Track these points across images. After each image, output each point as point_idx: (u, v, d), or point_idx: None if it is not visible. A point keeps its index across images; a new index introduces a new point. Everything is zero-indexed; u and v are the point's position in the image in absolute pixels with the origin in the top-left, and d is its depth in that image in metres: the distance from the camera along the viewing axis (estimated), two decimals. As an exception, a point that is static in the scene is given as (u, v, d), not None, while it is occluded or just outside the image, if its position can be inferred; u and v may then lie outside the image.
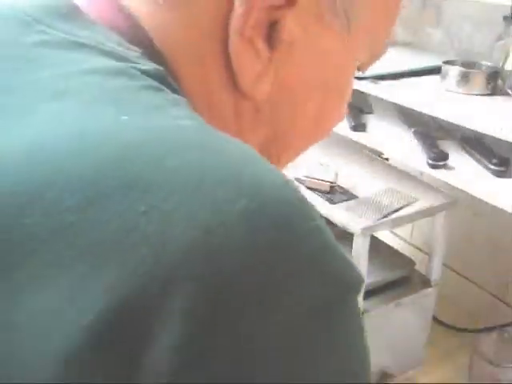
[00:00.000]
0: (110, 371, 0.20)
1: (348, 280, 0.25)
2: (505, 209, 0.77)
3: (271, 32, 0.33)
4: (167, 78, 0.30)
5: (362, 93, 0.99)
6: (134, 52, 0.30)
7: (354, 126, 1.03)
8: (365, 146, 1.05)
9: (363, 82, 0.96)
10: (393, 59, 1.10)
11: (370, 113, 1.10)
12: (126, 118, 0.25)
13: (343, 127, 1.04)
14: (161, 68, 0.30)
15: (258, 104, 0.36)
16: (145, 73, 0.29)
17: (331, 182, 1.00)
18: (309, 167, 1.02)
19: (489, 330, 1.13)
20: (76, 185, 0.22)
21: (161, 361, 0.20)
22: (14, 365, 0.21)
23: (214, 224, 0.22)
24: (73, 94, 0.26)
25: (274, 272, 0.22)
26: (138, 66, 0.29)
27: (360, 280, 0.25)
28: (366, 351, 0.26)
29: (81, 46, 0.30)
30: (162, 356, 0.20)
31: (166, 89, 0.29)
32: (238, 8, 0.31)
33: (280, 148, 0.40)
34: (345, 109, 0.43)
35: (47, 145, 0.24)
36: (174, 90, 0.30)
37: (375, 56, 0.42)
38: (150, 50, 0.32)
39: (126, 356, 0.20)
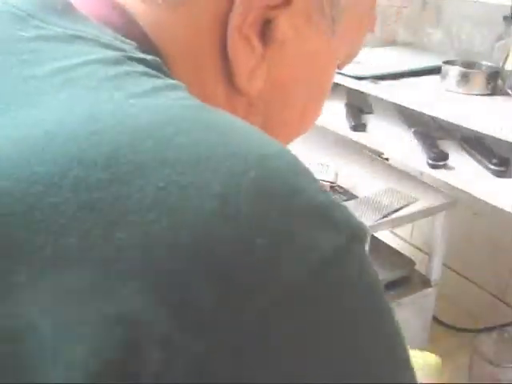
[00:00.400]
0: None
1: (354, 228, 0.26)
2: (505, 209, 0.77)
3: (265, 30, 0.34)
4: (163, 67, 0.31)
5: (362, 93, 0.99)
6: (129, 45, 0.31)
7: (353, 126, 1.03)
8: (365, 146, 1.05)
9: (363, 82, 0.96)
10: (393, 59, 1.10)
11: (370, 113, 1.10)
12: (133, 101, 0.26)
13: (343, 127, 1.04)
14: (157, 58, 0.31)
15: (251, 100, 0.38)
16: (142, 61, 0.30)
17: (331, 182, 1.00)
18: (309, 167, 1.02)
19: (489, 329, 1.13)
20: (97, 164, 0.23)
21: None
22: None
23: (229, 194, 0.23)
24: (77, 83, 0.27)
25: (287, 230, 0.24)
26: (135, 55, 0.30)
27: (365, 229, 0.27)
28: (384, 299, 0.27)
29: (78, 38, 0.30)
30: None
31: (163, 76, 0.30)
32: (238, 6, 0.33)
33: None
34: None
35: (63, 129, 0.24)
36: (171, 79, 0.31)
37: (353, 55, 0.45)
38: (145, 45, 0.33)
39: None
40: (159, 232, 0.22)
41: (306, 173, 0.27)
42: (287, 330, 0.23)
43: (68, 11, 0.32)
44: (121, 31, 0.32)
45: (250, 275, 0.22)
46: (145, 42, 0.33)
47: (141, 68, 0.29)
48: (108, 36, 0.31)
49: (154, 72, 0.29)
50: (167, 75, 0.30)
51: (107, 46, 0.30)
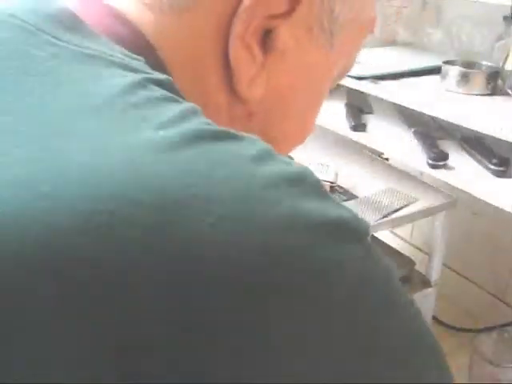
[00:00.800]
0: None
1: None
2: (505, 209, 0.77)
3: (266, 39, 0.35)
4: (175, 86, 0.31)
5: (362, 93, 0.99)
6: (137, 61, 0.31)
7: (353, 126, 1.03)
8: (365, 146, 1.05)
9: (363, 82, 0.96)
10: (393, 59, 1.10)
11: (370, 113, 1.10)
12: (162, 133, 0.26)
13: (343, 127, 1.04)
14: (170, 77, 0.31)
15: (251, 108, 0.38)
16: (158, 83, 0.29)
17: (331, 182, 1.00)
18: (309, 167, 1.02)
19: (489, 329, 1.13)
20: (143, 203, 0.23)
21: None
22: None
23: (279, 227, 0.24)
24: (100, 112, 0.27)
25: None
26: (151, 76, 0.30)
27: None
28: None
29: (90, 57, 0.30)
30: None
31: (179, 98, 0.29)
32: (242, 14, 0.33)
33: None
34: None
35: (98, 164, 0.24)
36: (182, 98, 0.30)
37: (348, 68, 0.45)
38: (151, 57, 0.32)
39: None
40: (214, 272, 0.23)
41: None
42: (290, 329, 0.23)
43: (77, 25, 0.32)
44: (126, 43, 0.32)
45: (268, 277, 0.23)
46: (150, 54, 0.33)
47: (158, 92, 0.29)
48: (118, 53, 0.31)
49: (170, 95, 0.29)
50: (179, 95, 0.30)
51: (120, 66, 0.30)
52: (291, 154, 0.46)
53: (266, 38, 0.35)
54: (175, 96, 0.29)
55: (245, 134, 0.28)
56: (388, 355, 0.26)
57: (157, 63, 0.33)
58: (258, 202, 0.24)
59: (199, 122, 0.27)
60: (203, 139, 0.26)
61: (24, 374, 0.22)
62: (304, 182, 0.27)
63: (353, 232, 0.26)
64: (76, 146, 0.25)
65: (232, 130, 0.28)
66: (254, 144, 0.28)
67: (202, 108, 0.30)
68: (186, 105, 0.28)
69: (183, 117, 0.27)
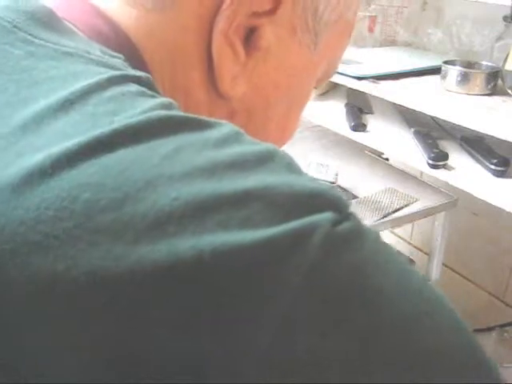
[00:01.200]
0: None
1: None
2: (505, 209, 0.77)
3: (249, 38, 0.35)
4: (153, 84, 0.31)
5: (362, 93, 0.99)
6: (117, 59, 0.31)
7: (353, 126, 1.03)
8: (365, 146, 1.05)
9: (363, 82, 0.96)
10: (393, 59, 1.10)
11: (370, 113, 1.10)
12: (129, 121, 0.26)
13: (343, 127, 1.04)
14: (148, 75, 0.31)
15: (233, 107, 0.38)
16: (135, 79, 0.29)
17: (331, 182, 1.00)
18: (309, 167, 1.02)
19: (488, 330, 1.13)
20: (106, 185, 0.23)
21: None
22: None
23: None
24: (74, 108, 0.27)
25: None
26: (128, 73, 0.30)
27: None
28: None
29: (67, 55, 0.29)
30: None
31: (156, 94, 0.29)
32: (225, 10, 0.33)
33: None
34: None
35: (65, 156, 0.24)
36: (161, 95, 0.30)
37: (330, 73, 0.45)
38: (132, 54, 0.33)
39: None
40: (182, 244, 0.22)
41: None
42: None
43: (54, 23, 0.31)
44: (107, 41, 0.32)
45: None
46: (131, 52, 0.33)
47: (134, 88, 0.28)
48: (97, 51, 0.30)
49: (147, 91, 0.29)
50: (158, 92, 0.30)
51: (98, 63, 0.29)
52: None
53: (250, 36, 0.35)
54: (153, 92, 0.29)
55: (214, 120, 0.28)
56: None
57: (138, 61, 0.33)
58: (221, 179, 0.24)
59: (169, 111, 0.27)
60: (168, 126, 0.26)
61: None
62: (273, 159, 0.26)
63: (328, 202, 0.25)
64: (45, 143, 0.25)
65: (202, 117, 0.27)
66: (220, 128, 0.27)
67: (183, 105, 0.30)
68: (163, 99, 0.28)
69: (155, 109, 0.27)
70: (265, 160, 0.26)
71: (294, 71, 0.40)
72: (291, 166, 0.27)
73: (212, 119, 0.28)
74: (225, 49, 0.34)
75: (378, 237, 0.26)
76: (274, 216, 0.23)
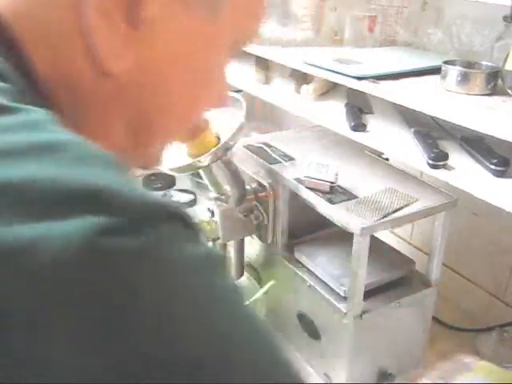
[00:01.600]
0: None
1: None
2: (505, 209, 0.77)
3: (133, 10, 0.33)
4: (11, 74, 0.30)
5: (362, 93, 0.99)
6: None
7: (353, 126, 1.02)
8: (365, 146, 1.05)
9: (363, 82, 0.96)
10: (393, 59, 1.10)
11: (370, 113, 1.10)
12: None
13: (343, 127, 1.04)
14: (4, 65, 0.30)
15: (121, 83, 0.36)
16: None
17: (331, 182, 1.00)
18: (309, 167, 1.02)
19: (489, 330, 1.13)
20: None
21: None
22: None
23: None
24: None
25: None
26: None
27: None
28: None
29: None
30: None
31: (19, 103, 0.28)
32: None
33: (149, 130, 0.41)
34: (224, 94, 0.45)
35: None
36: (18, 84, 0.29)
37: (244, 41, 0.44)
38: (4, 40, 0.31)
39: None
40: None
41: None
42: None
43: None
44: None
45: None
46: (3, 35, 0.31)
47: None
48: None
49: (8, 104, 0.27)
50: (14, 82, 0.29)
51: None
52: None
53: (134, 8, 0.33)
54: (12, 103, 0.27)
55: (24, 106, 0.27)
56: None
57: (10, 44, 0.31)
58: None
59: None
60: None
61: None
62: (65, 149, 0.25)
63: (106, 204, 0.23)
64: None
65: (10, 103, 0.26)
66: (27, 114, 0.26)
67: (66, 85, 0.28)
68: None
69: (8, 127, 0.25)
70: (53, 150, 0.24)
71: (189, 43, 0.38)
72: (88, 158, 0.25)
73: (22, 105, 0.26)
74: (101, 23, 0.33)
75: (202, 268, 0.25)
76: (16, 214, 0.21)
